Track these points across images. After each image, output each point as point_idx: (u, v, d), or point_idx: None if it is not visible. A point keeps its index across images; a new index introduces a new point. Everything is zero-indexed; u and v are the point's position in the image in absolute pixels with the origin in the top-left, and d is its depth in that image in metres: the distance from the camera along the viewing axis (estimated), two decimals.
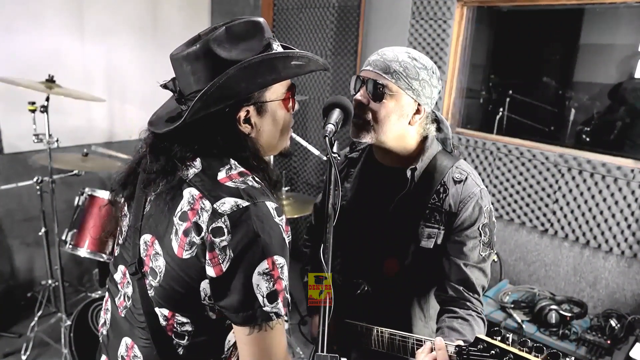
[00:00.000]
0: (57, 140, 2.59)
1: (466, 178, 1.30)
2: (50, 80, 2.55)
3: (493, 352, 0.93)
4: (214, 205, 0.94)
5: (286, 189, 3.19)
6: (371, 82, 1.25)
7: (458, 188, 1.29)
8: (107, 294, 1.21)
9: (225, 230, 0.92)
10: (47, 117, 2.55)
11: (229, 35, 0.98)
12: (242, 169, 1.01)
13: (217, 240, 0.92)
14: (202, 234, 0.93)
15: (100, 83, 3.28)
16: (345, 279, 1.48)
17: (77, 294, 3.28)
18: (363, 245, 1.42)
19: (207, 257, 0.93)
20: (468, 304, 1.26)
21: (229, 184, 0.97)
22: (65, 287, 2.82)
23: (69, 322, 2.53)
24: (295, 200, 3.12)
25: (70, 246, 2.56)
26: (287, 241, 0.98)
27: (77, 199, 2.64)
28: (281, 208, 0.99)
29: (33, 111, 2.52)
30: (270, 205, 0.96)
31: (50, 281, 2.89)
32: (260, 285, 0.92)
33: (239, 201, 0.94)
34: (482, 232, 1.27)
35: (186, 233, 0.95)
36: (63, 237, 2.60)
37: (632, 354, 2.02)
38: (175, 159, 1.00)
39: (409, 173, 1.31)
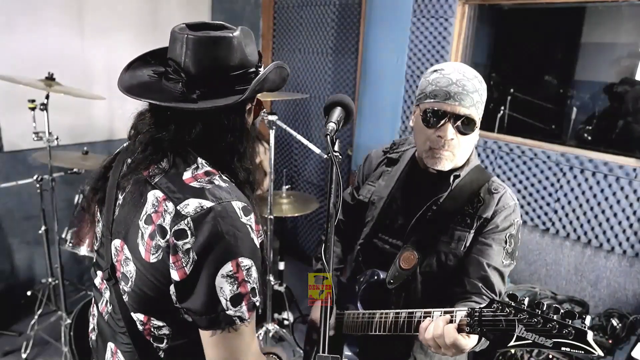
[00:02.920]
0: (57, 138, 2.58)
1: (504, 192, 1.34)
2: (50, 78, 2.53)
3: (508, 310, 0.92)
4: (177, 207, 0.91)
5: (287, 187, 3.18)
6: (461, 118, 1.25)
7: (495, 198, 1.33)
8: (93, 299, 1.20)
9: (189, 232, 0.90)
10: (47, 115, 2.54)
11: (244, 35, 1.00)
12: (208, 168, 0.99)
13: (180, 243, 0.90)
14: (167, 236, 0.91)
15: (100, 81, 3.27)
16: (355, 270, 1.50)
17: (77, 293, 3.27)
18: (390, 238, 1.44)
19: (171, 260, 0.91)
20: (484, 296, 1.27)
21: (194, 184, 0.95)
22: (65, 285, 2.81)
23: (69, 321, 2.53)
24: (296, 199, 3.11)
25: (70, 245, 2.55)
26: (256, 241, 0.95)
27: (77, 197, 2.63)
28: (249, 207, 0.97)
29: (33, 109, 2.51)
30: (237, 204, 0.94)
31: (50, 279, 2.89)
32: (224, 288, 0.90)
33: (203, 202, 0.91)
34: (508, 240, 1.30)
35: (152, 236, 0.93)
36: (63, 236, 2.60)
37: (634, 353, 2.01)
38: (170, 151, 0.98)
39: (452, 179, 1.35)
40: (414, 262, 1.33)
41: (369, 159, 1.61)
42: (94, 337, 1.19)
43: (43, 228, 2.79)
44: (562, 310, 0.88)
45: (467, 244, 1.32)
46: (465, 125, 1.26)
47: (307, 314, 3.34)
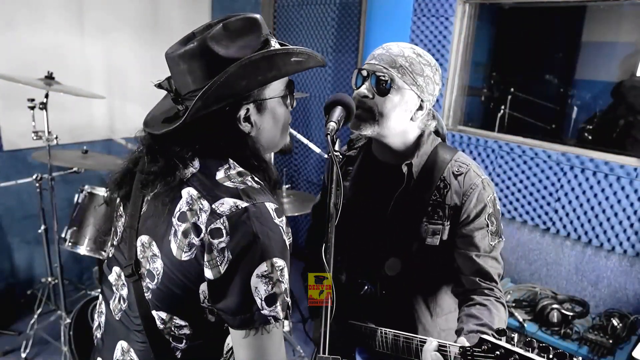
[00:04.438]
0: (56, 138, 2.57)
1: (467, 170, 1.29)
2: (50, 77, 2.52)
3: (498, 352, 0.91)
4: (213, 206, 0.92)
5: (287, 186, 3.18)
6: (377, 75, 1.24)
7: (460, 181, 1.28)
8: (100, 297, 1.18)
9: (224, 231, 0.90)
10: (46, 114, 2.53)
11: (226, 32, 0.95)
12: (240, 169, 1.00)
13: (215, 241, 0.90)
14: (202, 235, 0.91)
15: (100, 80, 3.26)
16: (348, 278, 1.46)
17: (76, 292, 3.27)
18: (365, 244, 1.40)
19: (205, 259, 0.91)
20: (486, 291, 1.25)
21: (228, 184, 0.95)
22: (65, 284, 2.80)
23: (68, 320, 2.52)
24: (296, 199, 3.10)
25: (70, 244, 2.55)
26: (287, 243, 0.96)
27: (76, 196, 2.63)
28: (281, 209, 0.97)
29: (32, 108, 2.50)
30: (270, 206, 0.94)
31: (49, 279, 2.88)
32: (259, 288, 0.90)
33: (238, 202, 0.92)
34: (489, 222, 1.27)
35: (185, 234, 0.93)
36: (62, 235, 2.59)
37: (635, 353, 2.00)
38: (175, 160, 0.97)
39: (404, 169, 1.31)
40: (399, 267, 1.31)
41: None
42: (99, 335, 1.17)
43: (42, 227, 2.78)
44: (552, 351, 0.86)
45: (445, 237, 1.29)
46: (383, 85, 1.23)
47: (309, 317, 3.34)
